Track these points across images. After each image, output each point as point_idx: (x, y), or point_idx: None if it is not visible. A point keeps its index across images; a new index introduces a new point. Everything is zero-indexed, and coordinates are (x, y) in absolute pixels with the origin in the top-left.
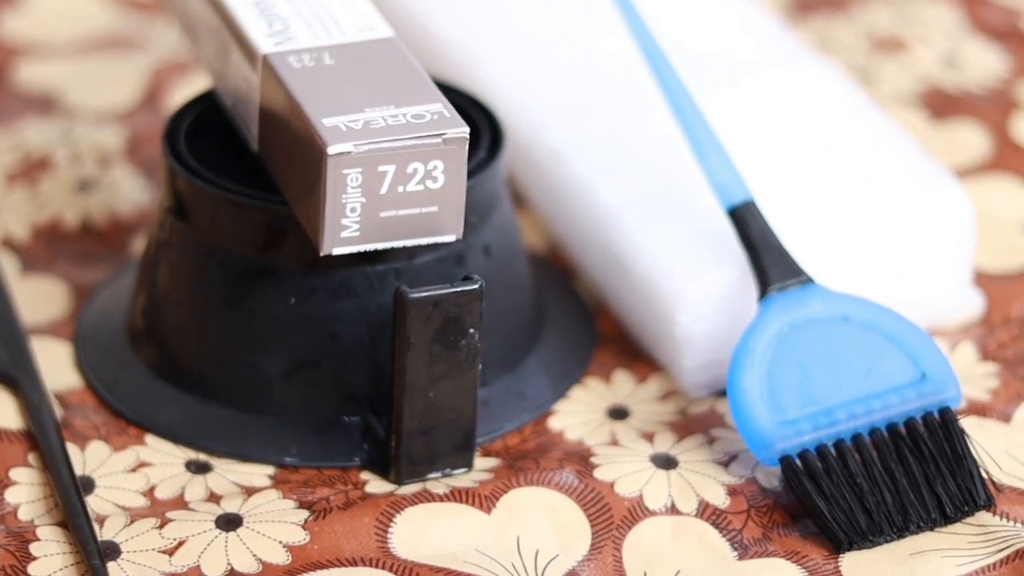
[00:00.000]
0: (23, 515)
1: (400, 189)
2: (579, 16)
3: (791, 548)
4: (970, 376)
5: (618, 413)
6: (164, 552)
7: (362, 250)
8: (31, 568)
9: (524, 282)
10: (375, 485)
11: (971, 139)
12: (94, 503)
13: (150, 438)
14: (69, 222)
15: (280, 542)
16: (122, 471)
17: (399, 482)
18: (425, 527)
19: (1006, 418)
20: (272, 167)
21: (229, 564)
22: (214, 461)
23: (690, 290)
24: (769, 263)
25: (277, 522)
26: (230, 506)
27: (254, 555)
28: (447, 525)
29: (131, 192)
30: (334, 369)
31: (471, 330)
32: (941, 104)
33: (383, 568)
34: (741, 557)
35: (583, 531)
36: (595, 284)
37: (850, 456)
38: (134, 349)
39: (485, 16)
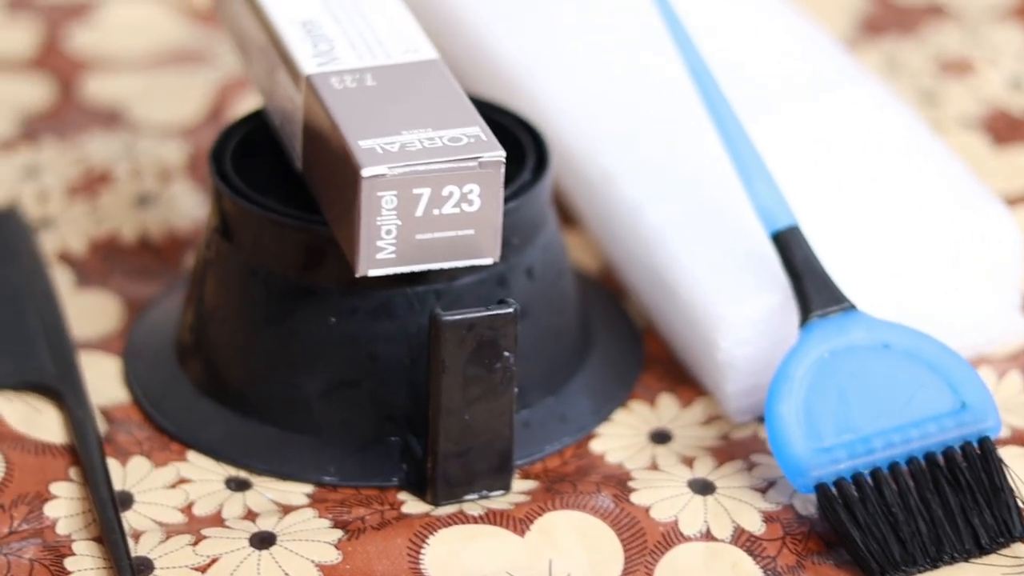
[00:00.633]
0: (61, 529)
1: (436, 212)
2: (636, 37)
3: None
4: (1016, 405)
5: (660, 437)
6: (197, 569)
7: (398, 272)
8: None
9: (569, 304)
10: (412, 506)
11: None
12: (132, 518)
13: (192, 454)
14: (126, 237)
15: (312, 561)
16: (162, 487)
17: (435, 503)
18: (458, 549)
19: None
20: (314, 187)
21: None
22: (254, 479)
23: (732, 315)
24: (811, 289)
25: (311, 541)
26: (265, 524)
27: (285, 574)
28: (480, 547)
29: (190, 208)
30: (373, 389)
31: (506, 353)
32: (1005, 128)
33: None
34: None
35: (616, 555)
36: (644, 306)
37: (886, 485)
38: (181, 365)
39: (542, 35)
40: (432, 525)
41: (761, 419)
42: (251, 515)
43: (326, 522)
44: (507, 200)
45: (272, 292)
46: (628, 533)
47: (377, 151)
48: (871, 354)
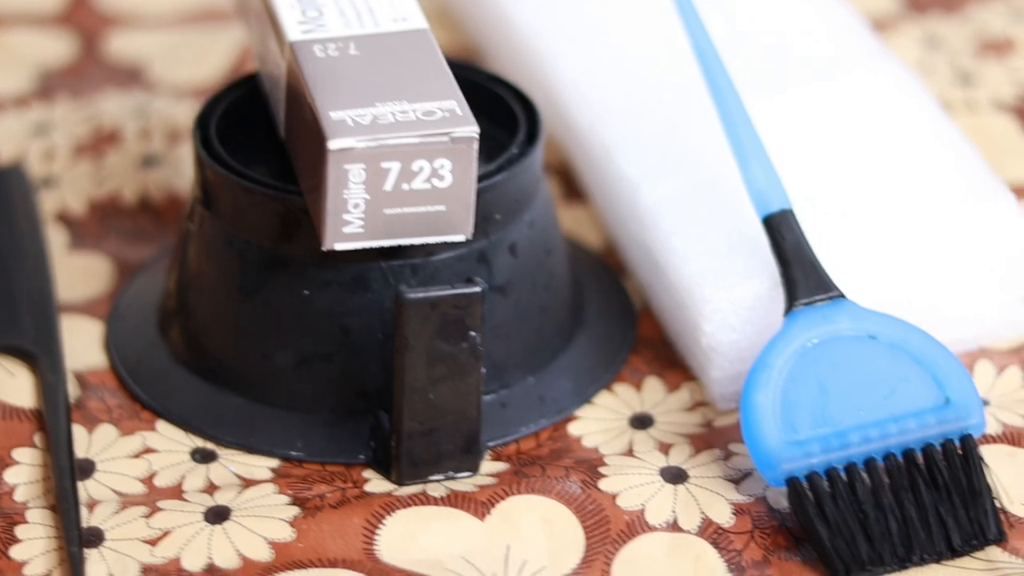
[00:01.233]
0: (18, 496)
1: (405, 187)
2: (653, 9)
3: (789, 573)
4: (1012, 401)
5: (641, 422)
6: (147, 542)
7: (366, 247)
8: (12, 551)
9: (557, 282)
10: (375, 484)
11: None
12: (91, 487)
13: (161, 424)
14: (127, 198)
15: (265, 538)
16: (125, 456)
17: (400, 482)
18: (415, 531)
19: None
20: (293, 156)
21: (210, 558)
22: (220, 451)
23: (718, 300)
24: (799, 276)
25: (266, 517)
26: (223, 498)
27: (237, 550)
28: (438, 530)
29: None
30: (346, 363)
31: (472, 333)
32: None
33: (362, 572)
34: None
35: (577, 543)
36: (641, 285)
37: (859, 481)
38: (161, 332)
39: (557, 5)
40: (391, 505)
41: None
42: (211, 488)
43: (285, 498)
44: (491, 175)
45: (248, 262)
46: (592, 520)
47: (347, 123)
48: (855, 345)
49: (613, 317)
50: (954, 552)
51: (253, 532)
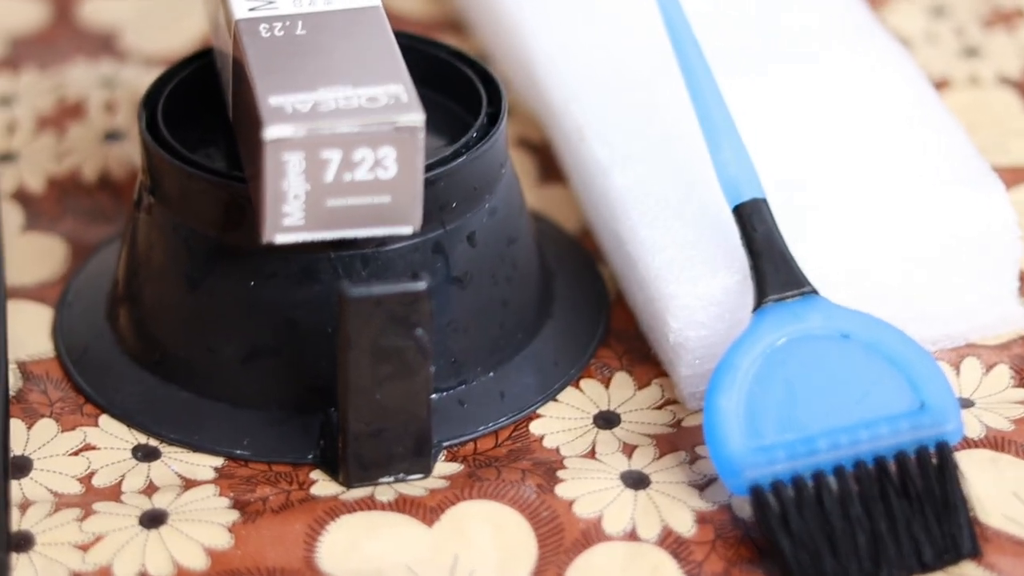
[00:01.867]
0: None
1: (348, 177)
2: None
3: None
4: (998, 402)
5: (606, 420)
6: (79, 547)
7: (307, 239)
8: None
9: (521, 271)
10: (322, 487)
11: None
12: (27, 487)
13: (104, 419)
14: (86, 175)
15: (202, 544)
16: (64, 454)
17: (348, 485)
18: (359, 538)
19: None
20: (240, 141)
21: (143, 565)
22: (164, 448)
23: (684, 294)
24: (768, 270)
25: (204, 522)
26: (161, 501)
27: (172, 557)
28: (383, 537)
29: None
30: (294, 358)
31: (419, 331)
32: None
33: None
34: None
35: (528, 553)
36: (615, 273)
37: (826, 490)
38: (110, 321)
39: None
40: (335, 510)
41: None
42: (151, 489)
43: (225, 501)
44: (447, 160)
45: (193, 251)
46: (545, 528)
47: (286, 110)
48: (827, 345)
49: (584, 307)
50: (925, 567)
51: (190, 538)
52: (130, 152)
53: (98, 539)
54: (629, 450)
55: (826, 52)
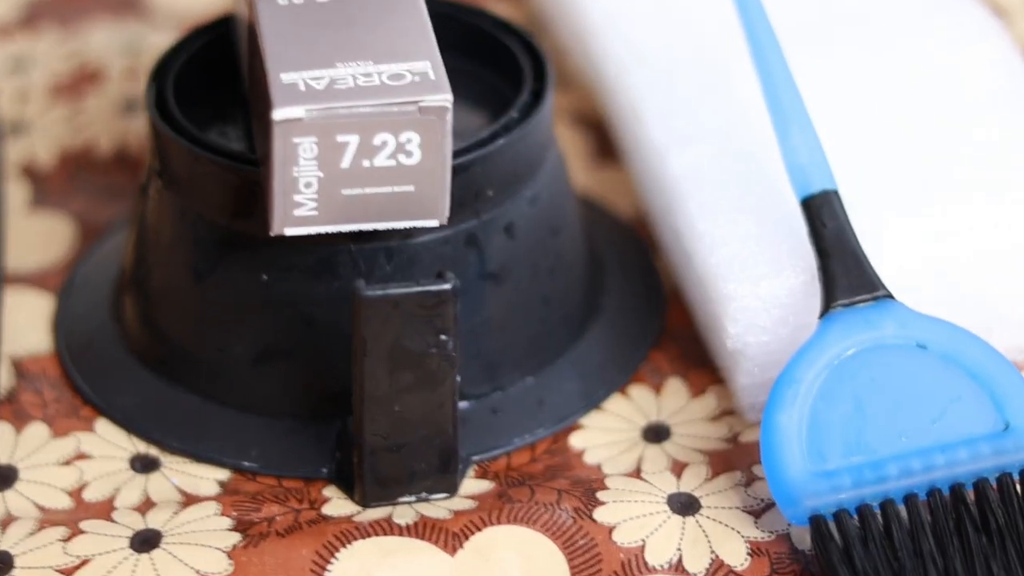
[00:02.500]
0: None
1: (366, 164)
2: None
3: None
4: None
5: (655, 433)
6: (61, 572)
7: (321, 232)
8: None
9: (566, 265)
10: (336, 506)
11: None
12: (11, 500)
13: (101, 423)
14: (103, 149)
15: (197, 571)
16: (55, 463)
17: (364, 504)
18: (372, 567)
19: None
20: (254, 120)
21: None
22: (165, 457)
23: (744, 295)
24: (838, 271)
25: (201, 545)
26: (156, 520)
27: None
28: (399, 566)
29: None
30: (309, 360)
31: (443, 336)
32: None
33: None
34: None
35: None
36: (672, 266)
37: (895, 522)
38: (114, 314)
39: None
40: (348, 534)
41: None
42: (146, 505)
43: (227, 521)
44: (484, 143)
45: (200, 240)
46: (581, 559)
47: (299, 88)
48: (901, 356)
49: (637, 304)
50: None
51: (184, 564)
52: None
53: (83, 563)
54: (679, 468)
55: (909, 25)
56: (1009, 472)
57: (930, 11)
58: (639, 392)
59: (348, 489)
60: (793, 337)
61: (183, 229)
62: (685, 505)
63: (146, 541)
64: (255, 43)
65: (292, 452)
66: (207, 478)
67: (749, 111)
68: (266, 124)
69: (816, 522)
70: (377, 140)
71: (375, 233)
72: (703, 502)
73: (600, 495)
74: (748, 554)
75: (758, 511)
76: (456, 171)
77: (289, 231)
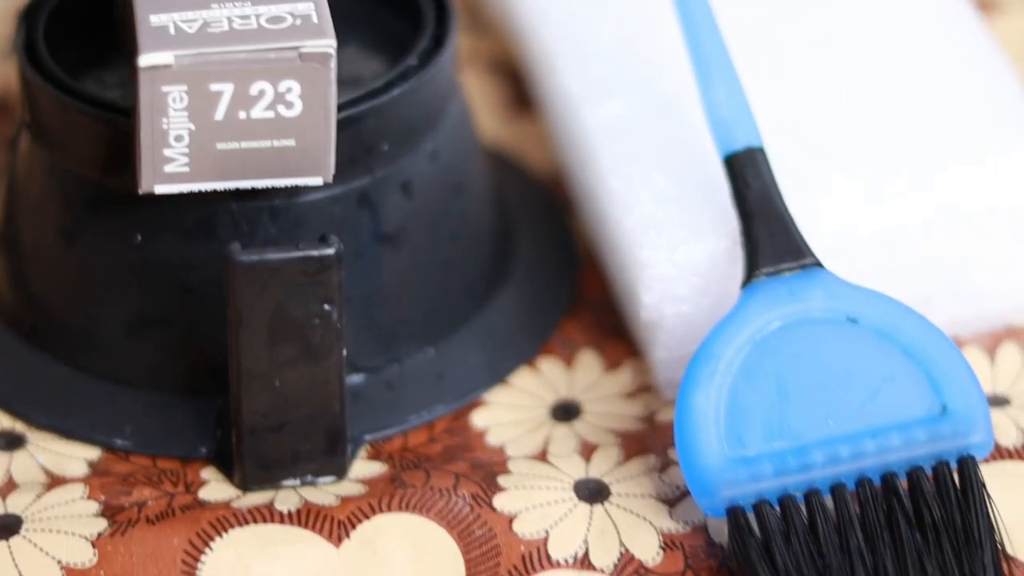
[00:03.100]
0: None
1: (242, 115)
2: None
3: None
4: None
5: (566, 411)
6: None
7: (193, 190)
8: None
9: (471, 227)
10: (213, 489)
11: None
12: None
13: None
14: None
15: (59, 562)
16: None
17: (244, 487)
18: (249, 559)
19: None
20: (128, 65)
21: None
22: (32, 434)
23: (660, 261)
24: (762, 235)
25: (64, 533)
26: (17, 503)
27: (20, 574)
28: (278, 558)
29: None
30: (187, 330)
31: (326, 307)
32: None
33: None
34: None
35: None
36: (587, 227)
37: (820, 515)
38: None
39: None
40: (224, 521)
41: None
42: (8, 487)
43: (94, 506)
44: (376, 94)
45: (71, 197)
46: (477, 552)
47: (168, 31)
48: (830, 331)
49: (548, 268)
50: None
51: (45, 553)
52: None
53: None
54: (588, 451)
55: None
56: (946, 460)
57: None
58: (549, 365)
59: (228, 471)
60: (714, 307)
61: (53, 185)
62: (594, 492)
63: (4, 527)
64: None
65: (168, 430)
66: (76, 457)
67: (671, 62)
68: (133, 71)
69: (734, 514)
70: (254, 89)
71: (259, 191)
72: (613, 489)
73: (501, 480)
74: (661, 547)
75: (672, 500)
76: (345, 124)
77: (159, 188)
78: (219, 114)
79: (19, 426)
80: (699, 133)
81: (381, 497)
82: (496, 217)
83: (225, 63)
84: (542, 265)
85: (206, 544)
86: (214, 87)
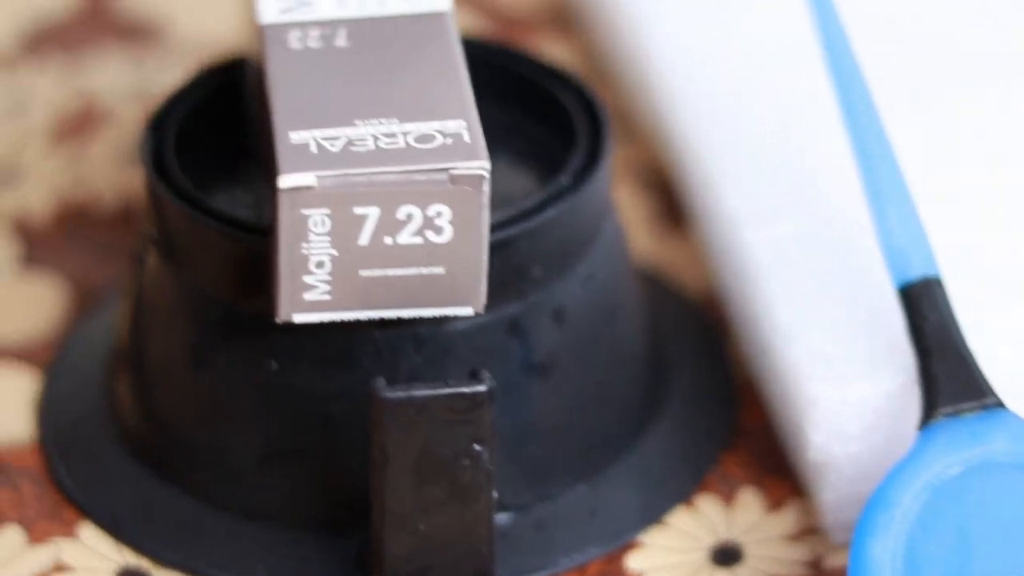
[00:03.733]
0: None
1: (388, 241)
2: None
3: None
4: None
5: (726, 554)
6: None
7: (335, 319)
8: None
9: (625, 355)
10: None
11: None
12: None
13: (87, 527)
14: (106, 202)
15: None
16: None
17: None
18: None
19: None
20: (263, 182)
21: None
22: (156, 571)
23: (830, 399)
24: (941, 373)
25: None
26: None
27: None
28: None
29: None
30: (324, 463)
31: (477, 447)
32: None
33: None
34: None
35: None
36: (746, 354)
37: None
38: (108, 396)
39: None
40: None
41: None
42: None
43: None
44: (527, 215)
45: (202, 319)
46: None
47: (310, 149)
48: (1016, 476)
49: (705, 398)
50: None
51: None
52: None
53: None
54: None
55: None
56: None
57: None
58: (708, 504)
59: None
60: (887, 445)
61: (182, 306)
62: None
63: None
64: (264, 93)
65: (302, 571)
66: None
67: (839, 181)
68: (272, 191)
69: None
70: (401, 213)
71: (402, 318)
72: None
73: None
74: None
75: None
76: (496, 248)
77: (298, 317)
78: (363, 239)
79: (145, 563)
80: (871, 257)
81: None
82: (649, 343)
83: (371, 185)
84: (698, 394)
85: None
86: (359, 211)
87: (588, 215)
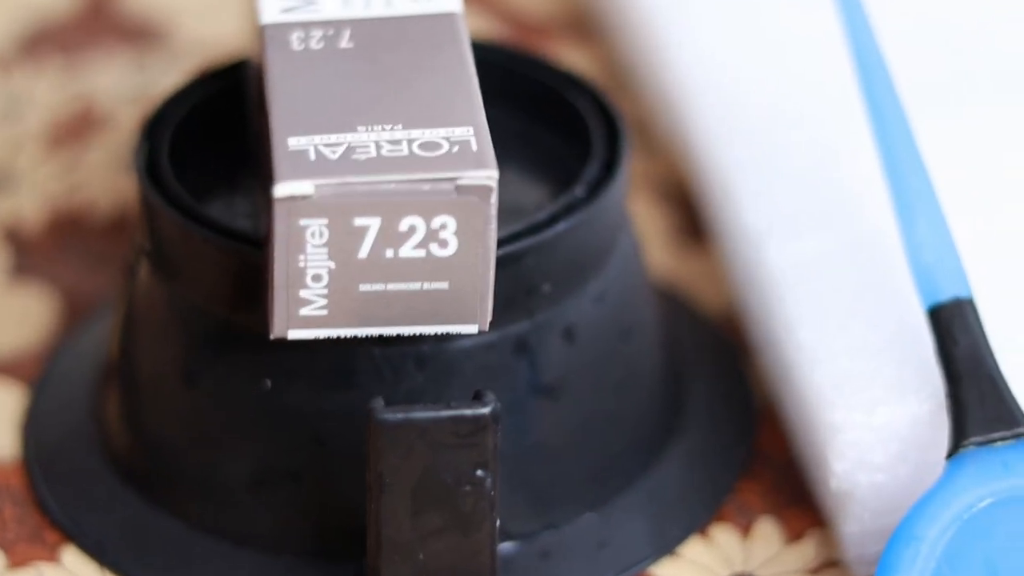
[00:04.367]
0: None
1: (389, 254)
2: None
3: None
4: None
5: None
6: None
7: (331, 335)
8: None
9: (638, 377)
10: None
11: None
12: None
13: (70, 551)
14: (100, 209)
15: None
16: None
17: None
18: None
19: None
20: (259, 189)
21: None
22: None
23: (854, 426)
24: (972, 400)
25: None
26: None
27: None
28: None
29: None
30: (318, 486)
31: (479, 472)
32: None
33: None
34: None
35: None
36: (767, 375)
37: None
38: (94, 413)
39: None
40: None
41: None
42: None
43: None
44: (537, 228)
45: (193, 333)
46: None
47: (308, 156)
48: None
49: (723, 422)
50: None
51: None
52: None
53: None
54: None
55: None
56: None
57: None
58: (723, 534)
59: None
60: (913, 476)
61: (174, 320)
62: None
63: None
64: (263, 97)
65: None
66: None
67: (866, 196)
68: (268, 200)
69: None
70: (404, 225)
71: (404, 336)
72: None
73: None
74: None
75: None
76: (504, 262)
77: (293, 334)
78: (363, 252)
79: None
80: (900, 276)
81: None
82: (665, 364)
83: (372, 195)
84: (715, 417)
85: None
86: (359, 222)
87: (602, 229)
